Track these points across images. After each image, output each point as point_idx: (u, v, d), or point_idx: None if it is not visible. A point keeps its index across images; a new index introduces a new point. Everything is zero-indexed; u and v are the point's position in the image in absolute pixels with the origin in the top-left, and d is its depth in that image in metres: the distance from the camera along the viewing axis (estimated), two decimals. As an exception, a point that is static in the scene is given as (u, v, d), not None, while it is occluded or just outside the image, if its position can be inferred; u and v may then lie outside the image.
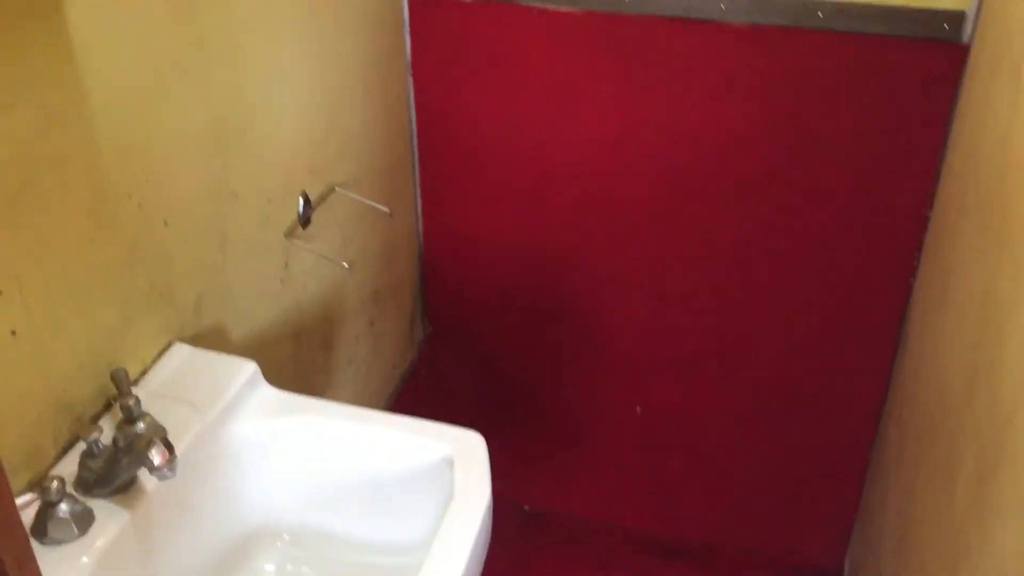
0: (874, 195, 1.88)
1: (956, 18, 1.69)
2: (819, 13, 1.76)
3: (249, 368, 1.32)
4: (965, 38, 1.70)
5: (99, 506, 1.09)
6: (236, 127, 1.44)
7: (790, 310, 2.07)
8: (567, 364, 2.36)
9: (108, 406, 1.21)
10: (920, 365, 1.73)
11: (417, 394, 2.37)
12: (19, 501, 1.04)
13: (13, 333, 1.04)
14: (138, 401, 1.15)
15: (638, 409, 2.35)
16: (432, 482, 1.26)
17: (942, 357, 1.53)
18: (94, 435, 1.09)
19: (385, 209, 1.87)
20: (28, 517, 1.04)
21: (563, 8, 1.90)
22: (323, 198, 1.75)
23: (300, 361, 1.79)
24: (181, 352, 1.33)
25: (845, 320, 2.03)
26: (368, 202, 1.83)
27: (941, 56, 1.72)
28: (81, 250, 1.13)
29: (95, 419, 1.19)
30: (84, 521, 1.06)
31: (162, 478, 1.05)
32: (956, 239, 1.59)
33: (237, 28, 1.40)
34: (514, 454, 2.29)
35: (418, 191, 2.22)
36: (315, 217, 1.72)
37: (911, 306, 1.94)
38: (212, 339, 1.45)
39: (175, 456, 1.04)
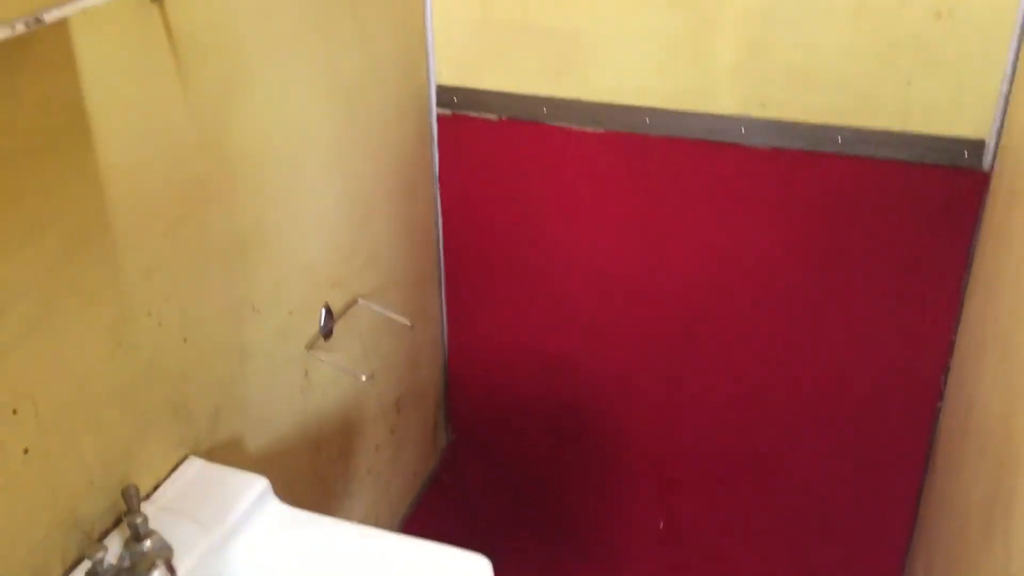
0: (899, 319, 1.87)
1: (976, 146, 1.70)
2: (838, 138, 1.78)
3: (259, 485, 1.32)
4: (986, 166, 1.70)
5: (100, 627, 1.09)
6: (260, 243, 1.48)
7: (816, 434, 2.04)
8: (590, 475, 2.34)
9: (118, 521, 1.22)
10: (944, 498, 1.70)
11: (438, 503, 2.35)
12: (20, 621, 1.05)
13: (26, 451, 1.06)
14: (145, 519, 1.16)
15: (661, 524, 2.31)
16: (436, 609, 1.25)
17: (964, 493, 1.50)
18: (99, 555, 1.10)
19: (407, 322, 1.89)
20: (28, 637, 1.05)
21: (587, 128, 1.95)
22: (346, 309, 1.78)
23: (318, 470, 1.79)
24: (194, 466, 1.35)
25: (872, 443, 2.00)
26: (391, 314, 1.86)
27: (962, 184, 1.73)
28: (99, 369, 1.16)
29: (104, 535, 1.20)
30: (83, 643, 1.06)
31: (163, 601, 1.05)
32: (979, 367, 1.57)
33: (265, 147, 1.45)
34: (533, 569, 2.26)
35: (443, 301, 2.25)
36: (337, 328, 1.75)
37: (938, 432, 1.90)
38: (228, 452, 1.47)
39: (176, 579, 1.05)
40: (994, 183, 1.68)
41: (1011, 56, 1.62)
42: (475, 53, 1.97)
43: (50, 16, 0.82)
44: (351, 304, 1.79)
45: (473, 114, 2.03)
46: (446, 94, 2.03)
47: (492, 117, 2.02)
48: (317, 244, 1.66)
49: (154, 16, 1.16)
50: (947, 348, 1.85)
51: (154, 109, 1.20)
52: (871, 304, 1.88)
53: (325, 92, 1.61)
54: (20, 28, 0.79)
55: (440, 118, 2.05)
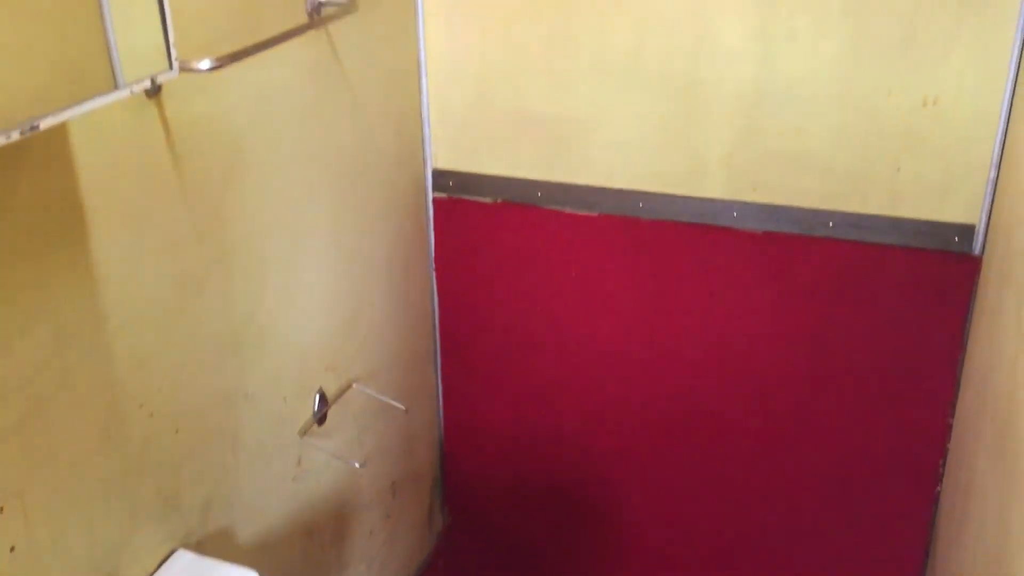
0: (896, 403, 1.87)
1: (966, 231, 1.71)
2: (830, 223, 1.80)
3: (248, 579, 1.31)
4: (976, 250, 1.72)
5: None
6: (255, 331, 1.48)
7: (815, 521, 2.02)
8: (588, 556, 2.30)
9: (104, 618, 1.20)
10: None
11: (433, 587, 2.32)
12: None
13: (12, 550, 1.05)
14: (132, 617, 1.14)
15: (661, 609, 2.27)
16: None
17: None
18: (83, 655, 1.08)
19: (401, 407, 1.88)
20: None
21: (581, 212, 1.97)
22: (340, 394, 1.78)
23: (311, 558, 1.77)
24: (183, 559, 1.33)
25: (872, 528, 1.98)
26: (385, 399, 1.85)
27: (953, 267, 1.74)
28: (89, 462, 1.15)
29: (89, 633, 1.18)
30: None
31: None
32: (974, 455, 1.56)
33: (261, 236, 1.46)
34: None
35: (439, 382, 2.24)
36: (331, 413, 1.74)
37: (938, 517, 1.88)
38: (218, 543, 1.45)
39: None
40: (985, 267, 1.69)
41: (997, 143, 1.65)
42: (471, 138, 2.00)
43: (46, 122, 0.84)
44: (345, 388, 1.79)
45: (469, 197, 2.05)
46: (442, 178, 2.05)
47: (487, 200, 2.04)
48: (312, 329, 1.66)
49: (151, 112, 1.18)
50: (945, 432, 1.84)
51: (150, 202, 1.21)
52: (868, 388, 1.87)
53: (322, 178, 1.63)
54: (15, 136, 0.80)
55: (436, 201, 2.07)
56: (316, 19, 1.52)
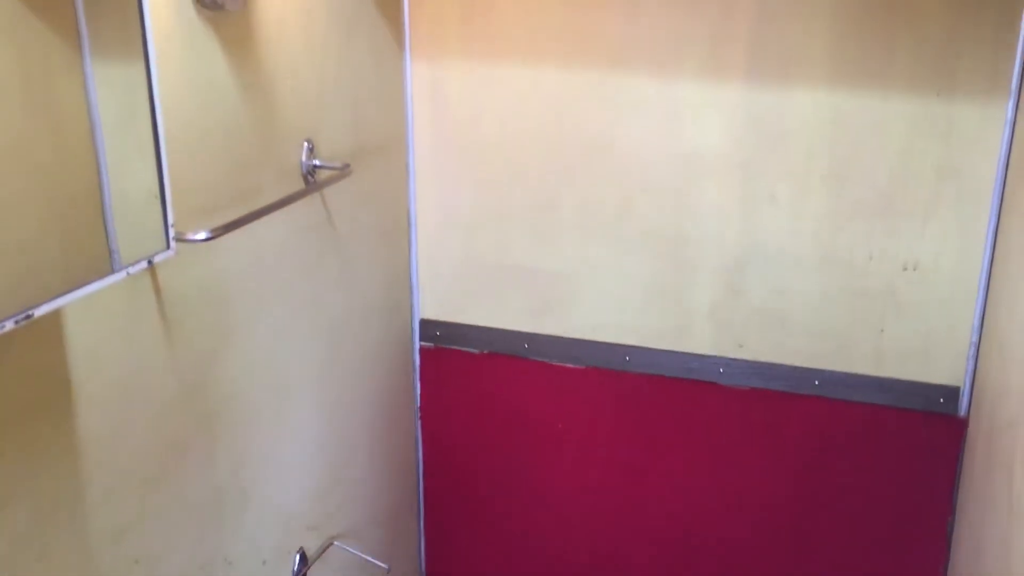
0: (886, 561, 1.84)
1: (951, 393, 1.72)
2: (816, 381, 1.80)
3: None
4: (962, 412, 1.72)
5: None
6: (237, 494, 1.45)
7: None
8: None
9: None
10: None
11: None
12: None
13: None
14: None
15: None
16: None
17: None
18: None
19: (383, 566, 1.84)
20: None
21: (568, 364, 1.97)
22: (320, 553, 1.73)
23: None
24: None
25: None
26: (366, 557, 1.81)
27: (939, 428, 1.74)
28: (59, 641, 1.11)
29: None
30: None
31: None
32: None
33: (247, 396, 1.45)
34: None
35: (422, 536, 2.19)
36: (311, 573, 1.69)
37: None
38: None
39: None
40: (971, 429, 1.69)
41: (978, 307, 1.68)
42: (459, 289, 2.02)
43: (40, 311, 0.84)
44: (326, 546, 1.75)
45: (456, 348, 2.05)
46: (430, 328, 2.06)
47: (474, 351, 2.04)
48: (295, 488, 1.63)
49: (144, 282, 1.19)
50: (937, 595, 1.81)
51: (138, 370, 1.20)
52: (857, 549, 1.85)
53: (311, 334, 1.63)
54: (9, 326, 0.80)
55: (423, 351, 2.08)
56: (311, 182, 1.55)
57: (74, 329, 1.07)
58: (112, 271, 0.94)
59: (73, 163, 0.94)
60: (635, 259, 1.87)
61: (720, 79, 1.72)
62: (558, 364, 1.98)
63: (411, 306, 2.05)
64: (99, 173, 0.98)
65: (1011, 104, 1.57)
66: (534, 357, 2.00)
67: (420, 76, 1.89)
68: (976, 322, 1.68)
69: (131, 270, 0.95)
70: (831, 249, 1.74)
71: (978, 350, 1.69)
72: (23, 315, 0.82)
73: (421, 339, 2.07)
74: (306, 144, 1.55)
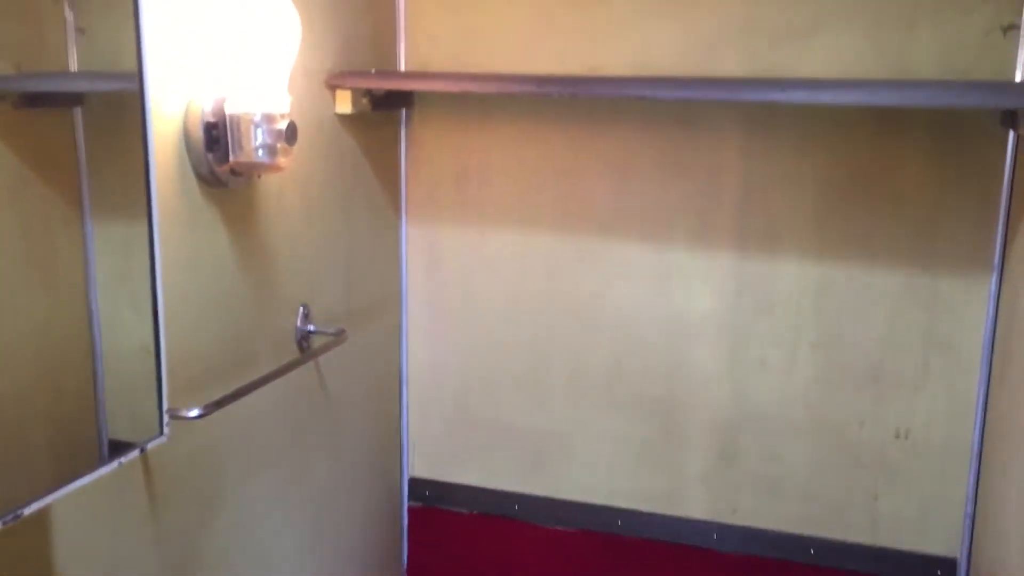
0: None
1: (948, 565, 1.70)
2: (810, 549, 1.78)
3: None
4: (959, 589, 1.69)
5: None
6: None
7: None
8: None
9: None
10: None
11: None
12: None
13: None
14: None
15: None
16: None
17: None
18: None
19: None
20: None
21: (558, 527, 1.94)
22: None
23: None
24: None
25: None
26: None
27: (938, 602, 1.71)
28: None
29: None
30: None
31: None
32: None
33: (233, 568, 1.42)
34: None
35: None
36: None
37: None
38: None
39: None
40: (971, 603, 1.66)
41: (971, 477, 1.67)
42: (449, 448, 2.00)
43: (30, 510, 0.82)
44: None
45: (445, 507, 2.02)
46: (419, 487, 2.03)
47: (463, 511, 2.01)
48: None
49: (133, 463, 1.18)
50: None
51: (124, 555, 1.17)
52: None
53: (297, 501, 1.61)
54: (-3, 527, 0.79)
55: (411, 511, 2.04)
56: (306, 348, 1.56)
57: (60, 518, 1.05)
58: (104, 459, 0.93)
59: (67, 322, 0.95)
60: (626, 421, 1.87)
61: (709, 246, 1.76)
62: (549, 527, 1.95)
63: (400, 465, 2.03)
64: (91, 331, 0.98)
65: (994, 278, 1.61)
66: (524, 519, 1.97)
67: (415, 239, 1.92)
68: (970, 491, 1.67)
69: (123, 461, 0.95)
70: (822, 415, 1.74)
71: (973, 521, 1.67)
72: (11, 515, 0.81)
73: (410, 498, 2.04)
74: (301, 309, 1.56)
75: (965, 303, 1.63)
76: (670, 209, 1.77)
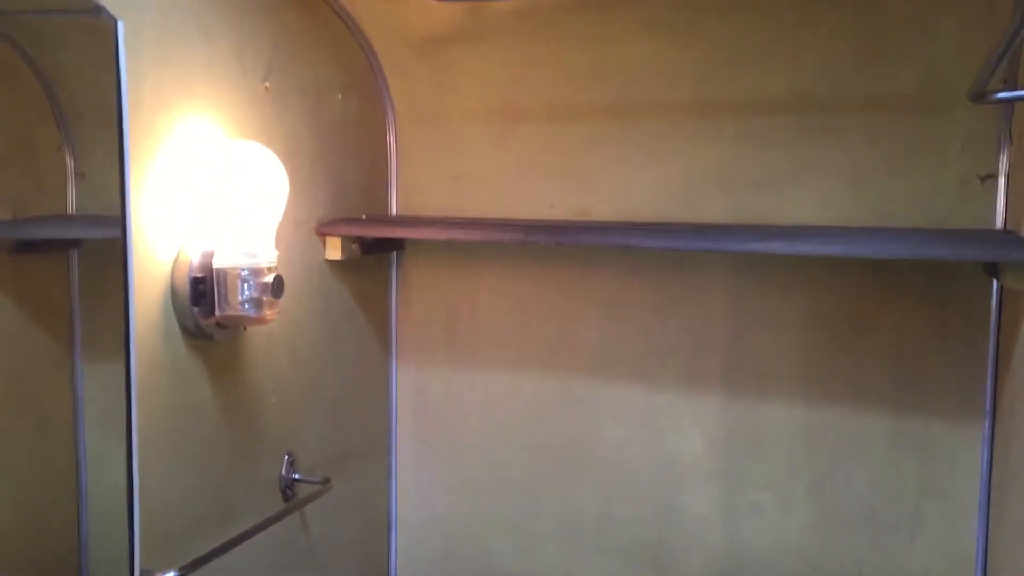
0: None
1: None
2: None
3: None
4: None
5: None
6: None
7: None
8: None
9: None
10: None
11: None
12: None
13: None
14: None
15: None
16: None
17: None
18: None
19: None
20: None
21: None
22: None
23: None
24: None
25: None
26: None
27: None
28: None
29: None
30: None
31: None
32: None
33: None
34: None
35: None
36: None
37: None
38: None
39: None
40: None
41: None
42: (438, 594, 1.95)
43: None
44: None
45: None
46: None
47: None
48: None
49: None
50: None
51: None
52: None
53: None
54: None
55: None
56: (290, 497, 1.53)
57: None
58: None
59: (54, 460, 0.94)
60: (618, 567, 1.82)
61: (699, 387, 1.75)
62: None
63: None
64: (78, 469, 0.97)
65: (987, 424, 1.59)
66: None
67: (405, 380, 1.92)
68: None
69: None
70: (820, 562, 1.70)
71: None
72: None
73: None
74: (286, 457, 1.54)
75: (958, 448, 1.61)
76: (659, 349, 1.77)
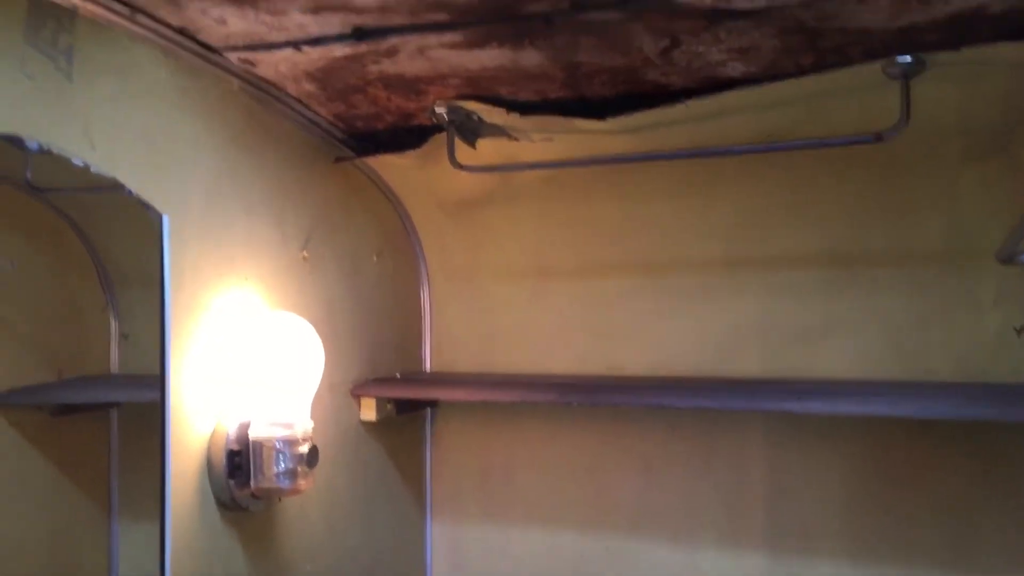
0: None
1: None
2: None
3: None
4: None
5: None
6: None
7: None
8: None
9: None
10: None
11: None
12: None
13: None
14: None
15: None
16: None
17: None
18: None
19: None
20: None
21: None
22: None
23: None
24: None
25: None
26: None
27: None
28: None
29: None
30: None
31: None
32: None
33: None
34: None
35: None
36: None
37: None
38: None
39: None
40: None
41: None
42: None
43: None
44: None
45: None
46: None
47: None
48: None
49: None
50: None
51: None
52: None
53: None
54: None
55: None
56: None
57: None
58: None
59: None
60: None
61: (739, 546, 1.70)
62: None
63: None
64: None
65: (1041, 583, 1.53)
66: None
67: (440, 538, 1.89)
68: None
69: None
70: None
71: None
72: None
73: None
74: (320, 625, 1.51)
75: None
76: (697, 507, 1.74)
